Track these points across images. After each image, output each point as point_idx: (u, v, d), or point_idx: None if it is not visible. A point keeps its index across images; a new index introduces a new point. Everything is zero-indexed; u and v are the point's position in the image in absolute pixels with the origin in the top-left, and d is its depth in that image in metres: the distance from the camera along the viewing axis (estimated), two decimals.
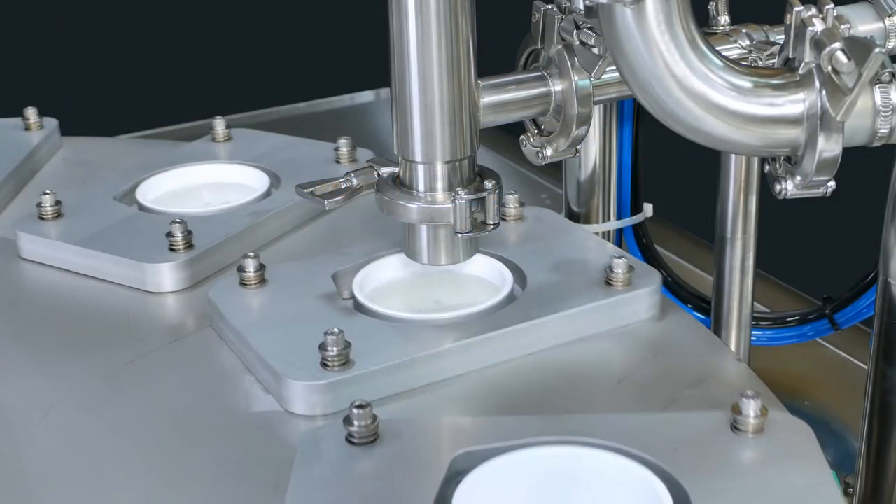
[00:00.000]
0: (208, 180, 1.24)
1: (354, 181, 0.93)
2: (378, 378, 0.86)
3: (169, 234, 1.06)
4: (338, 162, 1.24)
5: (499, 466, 0.74)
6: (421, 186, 0.90)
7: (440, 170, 0.89)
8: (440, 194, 0.90)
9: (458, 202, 0.89)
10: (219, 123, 1.32)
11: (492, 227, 0.90)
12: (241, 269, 0.98)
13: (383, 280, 0.99)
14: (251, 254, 0.98)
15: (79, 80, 2.10)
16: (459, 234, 0.90)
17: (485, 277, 0.99)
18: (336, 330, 0.86)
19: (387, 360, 0.87)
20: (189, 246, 1.06)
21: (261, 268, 0.98)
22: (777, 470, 0.73)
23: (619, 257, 0.96)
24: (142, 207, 1.17)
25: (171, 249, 1.05)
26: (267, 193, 1.19)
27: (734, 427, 0.76)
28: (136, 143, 1.41)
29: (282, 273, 0.99)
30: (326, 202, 0.92)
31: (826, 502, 0.71)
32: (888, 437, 0.91)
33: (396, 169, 0.92)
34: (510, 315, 0.92)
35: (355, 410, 0.77)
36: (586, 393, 0.88)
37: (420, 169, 0.90)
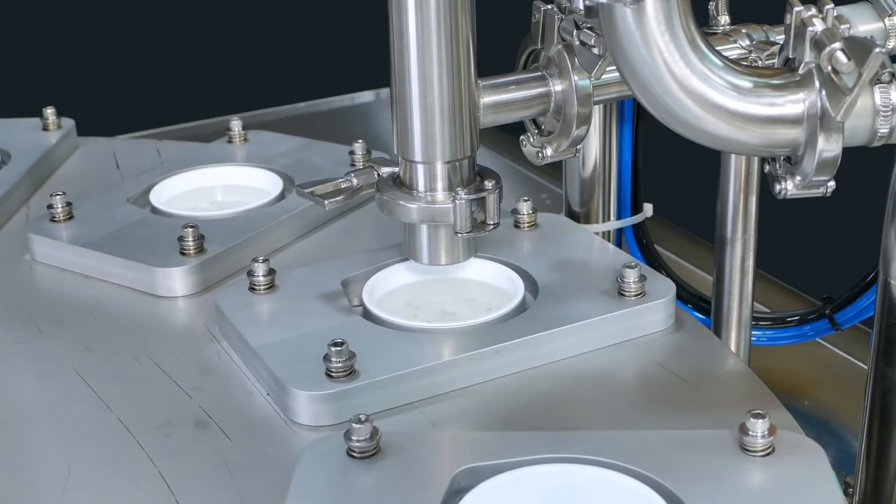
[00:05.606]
0: (222, 182, 1.23)
1: (354, 181, 0.93)
2: (384, 389, 0.85)
3: (180, 238, 1.05)
4: (353, 165, 1.22)
5: (500, 484, 0.73)
6: (421, 186, 0.90)
7: (440, 170, 0.89)
8: (440, 194, 0.90)
9: (458, 202, 0.89)
10: (235, 125, 1.31)
11: (492, 226, 0.90)
12: (250, 274, 0.97)
13: (393, 287, 0.98)
14: (261, 258, 0.97)
15: (90, 80, 2.10)
16: (459, 234, 0.90)
17: (496, 285, 0.98)
18: (340, 340, 0.85)
19: (393, 370, 0.86)
20: (200, 250, 1.05)
21: (270, 273, 0.97)
22: (785, 491, 0.72)
23: (632, 266, 0.94)
24: (154, 210, 1.16)
25: (182, 253, 1.04)
26: (281, 197, 1.18)
27: (743, 447, 0.75)
28: (153, 144, 1.41)
29: (291, 278, 0.98)
30: (326, 202, 0.92)
31: None
32: (888, 437, 0.91)
33: (397, 169, 0.92)
34: (521, 326, 0.91)
35: (355, 425, 0.76)
36: (595, 407, 0.87)
37: (420, 169, 0.90)
